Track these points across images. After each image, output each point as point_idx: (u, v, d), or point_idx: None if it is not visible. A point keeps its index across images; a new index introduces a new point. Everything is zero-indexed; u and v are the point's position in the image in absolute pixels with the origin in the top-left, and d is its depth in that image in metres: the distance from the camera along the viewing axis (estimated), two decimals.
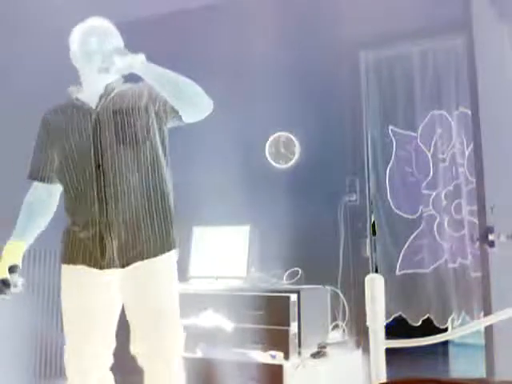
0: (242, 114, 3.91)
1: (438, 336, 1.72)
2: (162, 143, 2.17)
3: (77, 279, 2.09)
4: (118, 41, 2.27)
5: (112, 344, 2.12)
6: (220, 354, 3.11)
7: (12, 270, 2.01)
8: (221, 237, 3.68)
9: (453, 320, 3.40)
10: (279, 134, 3.80)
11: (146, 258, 2.05)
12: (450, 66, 3.51)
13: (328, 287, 3.45)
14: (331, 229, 3.55)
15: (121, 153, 2.06)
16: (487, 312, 2.30)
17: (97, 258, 2.04)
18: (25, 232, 2.16)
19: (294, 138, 3.76)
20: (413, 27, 3.44)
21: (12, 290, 2.00)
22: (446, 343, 5.32)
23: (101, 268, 2.04)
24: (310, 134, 3.72)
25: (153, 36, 4.25)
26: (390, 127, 3.63)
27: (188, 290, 3.39)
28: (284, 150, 3.78)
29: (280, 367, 2.90)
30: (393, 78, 3.66)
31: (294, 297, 3.09)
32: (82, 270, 2.07)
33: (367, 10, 3.61)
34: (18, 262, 2.06)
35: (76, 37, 2.24)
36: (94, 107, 2.14)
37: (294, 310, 3.07)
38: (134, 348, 2.07)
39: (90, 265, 2.06)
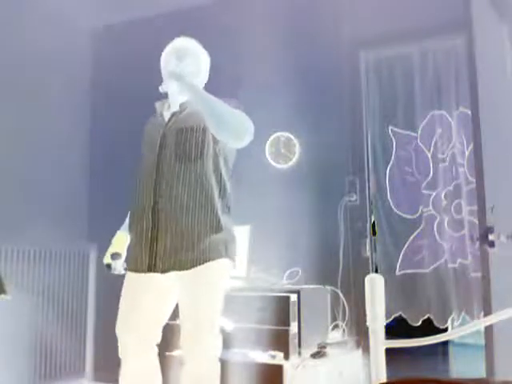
0: None
1: (438, 336, 1.72)
2: (215, 161, 2.30)
3: (132, 279, 2.28)
4: (196, 59, 2.43)
5: (156, 337, 2.30)
6: (220, 353, 3.10)
7: (113, 256, 2.35)
8: None
9: (453, 320, 3.40)
10: (279, 134, 3.80)
11: (188, 268, 2.19)
12: (449, 66, 3.51)
13: (328, 287, 3.45)
14: (331, 229, 3.55)
15: (176, 168, 2.25)
16: (487, 312, 2.30)
17: (144, 264, 2.22)
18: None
19: (293, 138, 3.76)
20: (413, 27, 3.44)
21: (113, 272, 2.37)
22: (446, 343, 5.32)
23: (146, 272, 2.22)
24: (310, 134, 3.72)
25: (153, 36, 4.25)
26: (390, 127, 3.63)
27: None
28: (284, 150, 3.78)
29: (280, 367, 2.90)
30: (393, 78, 3.66)
31: (293, 297, 3.08)
32: (132, 275, 2.29)
33: (367, 10, 3.61)
34: (120, 250, 2.36)
35: (163, 56, 2.46)
36: (165, 124, 2.35)
37: (294, 310, 3.06)
38: (181, 346, 2.24)
39: (138, 271, 2.24)
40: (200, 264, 2.19)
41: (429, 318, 3.43)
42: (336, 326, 3.40)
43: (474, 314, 3.29)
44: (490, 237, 2.34)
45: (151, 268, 2.21)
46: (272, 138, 3.81)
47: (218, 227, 2.25)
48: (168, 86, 2.27)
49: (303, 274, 3.45)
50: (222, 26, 4.06)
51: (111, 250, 2.39)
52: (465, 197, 3.41)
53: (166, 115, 2.39)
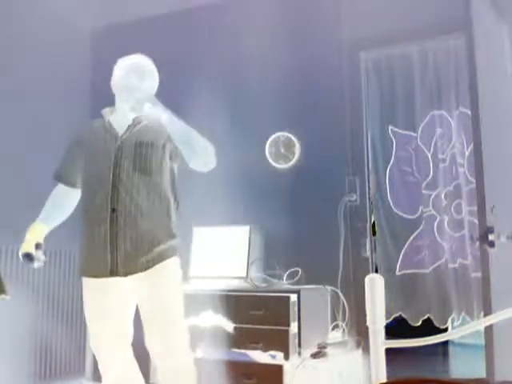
0: (242, 113, 3.91)
1: (438, 336, 1.72)
2: (172, 177, 2.45)
3: (92, 285, 2.35)
4: (154, 80, 2.53)
5: (126, 339, 2.37)
6: (220, 354, 3.11)
7: (37, 246, 2.34)
8: (221, 237, 3.67)
9: (453, 320, 3.40)
10: (279, 134, 3.80)
11: (149, 267, 2.29)
12: (449, 66, 3.51)
13: (328, 287, 3.45)
14: (331, 229, 3.55)
15: (135, 179, 2.33)
16: (487, 312, 2.30)
17: (104, 269, 2.29)
18: (48, 218, 2.47)
19: (293, 138, 3.76)
20: (413, 27, 3.44)
21: (36, 263, 2.34)
22: (446, 343, 5.32)
23: (108, 277, 2.29)
24: (310, 134, 3.71)
25: (153, 36, 4.25)
26: (390, 127, 3.63)
27: (188, 290, 3.40)
28: (284, 150, 3.78)
29: (280, 367, 2.90)
30: (393, 78, 3.66)
31: (293, 297, 3.09)
32: (93, 281, 2.35)
33: (367, 10, 3.61)
34: (41, 240, 2.38)
35: (119, 68, 2.49)
36: (120, 134, 2.41)
37: (294, 310, 3.06)
38: (148, 346, 2.31)
39: (97, 276, 2.32)
40: (159, 262, 2.30)
41: (429, 318, 3.43)
42: (336, 326, 3.40)
43: (473, 314, 3.29)
44: (490, 237, 2.34)
45: (113, 272, 2.28)
46: (272, 138, 3.81)
47: (172, 234, 2.40)
48: (143, 109, 2.32)
49: (303, 274, 3.45)
50: (222, 27, 4.06)
51: (32, 239, 2.35)
52: (465, 197, 3.40)
53: (117, 124, 2.45)
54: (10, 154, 3.67)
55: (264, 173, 3.80)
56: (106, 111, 2.52)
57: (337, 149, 3.63)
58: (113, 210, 2.30)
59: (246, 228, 3.57)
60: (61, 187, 2.54)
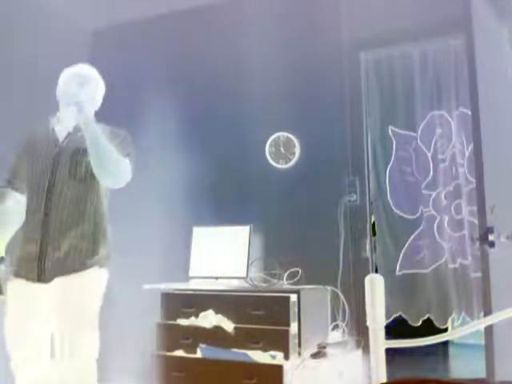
0: (242, 113, 3.91)
1: (438, 336, 1.72)
2: (98, 182, 2.47)
3: (18, 290, 2.39)
4: (94, 88, 2.59)
5: (43, 350, 2.36)
6: (220, 353, 3.11)
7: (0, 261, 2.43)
8: (221, 237, 3.67)
9: (453, 320, 3.40)
10: (279, 134, 3.80)
11: (70, 273, 2.34)
12: (449, 66, 3.51)
13: (328, 287, 3.45)
14: (331, 229, 3.55)
15: (69, 185, 2.41)
16: (487, 312, 2.30)
17: (34, 273, 2.34)
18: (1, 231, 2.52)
19: (294, 138, 3.76)
20: (413, 27, 3.44)
21: (2, 279, 2.40)
22: (446, 343, 5.33)
23: (37, 281, 2.34)
24: (309, 134, 3.72)
25: (153, 36, 4.25)
26: (390, 127, 3.63)
27: (188, 290, 3.40)
28: (284, 150, 3.78)
29: (280, 367, 2.90)
30: (393, 78, 3.66)
31: (293, 297, 3.09)
32: (22, 282, 2.38)
33: (367, 10, 3.61)
34: (3, 253, 2.45)
35: (62, 77, 2.56)
36: (60, 142, 2.48)
37: (293, 310, 3.06)
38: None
39: (28, 279, 2.35)
40: (82, 270, 2.36)
41: (429, 318, 3.43)
42: (336, 326, 3.40)
43: (473, 314, 3.29)
44: (490, 237, 2.34)
45: (43, 278, 2.34)
46: (272, 138, 3.81)
47: (103, 239, 2.46)
48: (68, 115, 2.41)
49: (303, 274, 3.45)
50: (221, 27, 4.07)
51: None
52: (465, 197, 3.41)
53: (58, 131, 2.52)
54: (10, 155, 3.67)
55: (264, 173, 3.80)
56: (52, 120, 2.57)
57: (337, 149, 3.63)
58: (45, 215, 2.38)
59: (246, 228, 3.57)
60: (10, 193, 2.55)
